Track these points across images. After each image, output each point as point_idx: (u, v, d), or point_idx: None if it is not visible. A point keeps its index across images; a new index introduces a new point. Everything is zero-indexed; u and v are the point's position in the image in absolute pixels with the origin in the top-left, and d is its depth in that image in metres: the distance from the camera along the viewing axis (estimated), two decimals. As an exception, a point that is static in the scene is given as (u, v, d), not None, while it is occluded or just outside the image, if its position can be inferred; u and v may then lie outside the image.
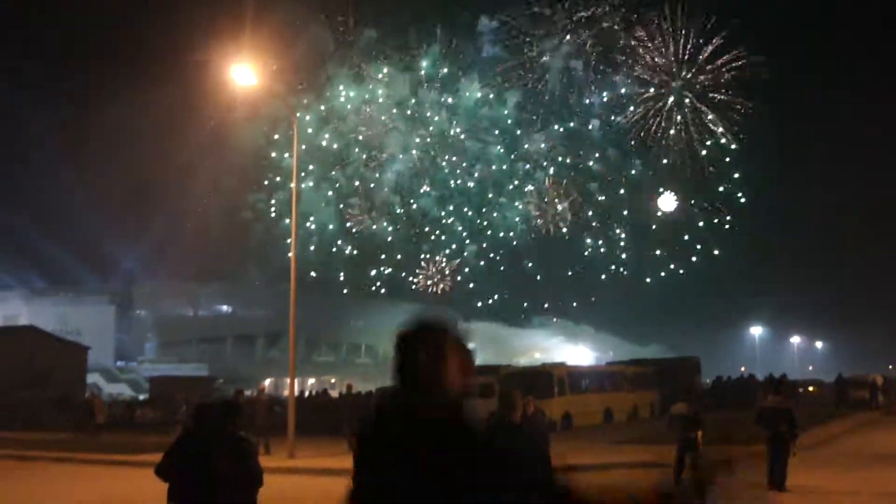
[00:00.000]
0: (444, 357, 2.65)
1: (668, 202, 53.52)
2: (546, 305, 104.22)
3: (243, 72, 25.62)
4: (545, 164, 53.89)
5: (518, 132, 53.10)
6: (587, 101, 53.22)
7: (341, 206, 55.20)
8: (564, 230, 56.53)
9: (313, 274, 55.21)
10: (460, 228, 56.57)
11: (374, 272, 59.17)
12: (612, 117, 53.53)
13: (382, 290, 67.52)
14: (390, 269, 59.28)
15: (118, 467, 22.47)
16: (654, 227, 57.48)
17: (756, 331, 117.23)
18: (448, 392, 2.63)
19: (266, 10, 47.14)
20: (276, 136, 51.46)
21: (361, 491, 2.93)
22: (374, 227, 55.27)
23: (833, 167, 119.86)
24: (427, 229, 57.28)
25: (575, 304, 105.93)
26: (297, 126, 27.53)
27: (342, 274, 60.25)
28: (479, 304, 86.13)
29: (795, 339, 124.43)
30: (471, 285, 67.78)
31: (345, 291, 64.69)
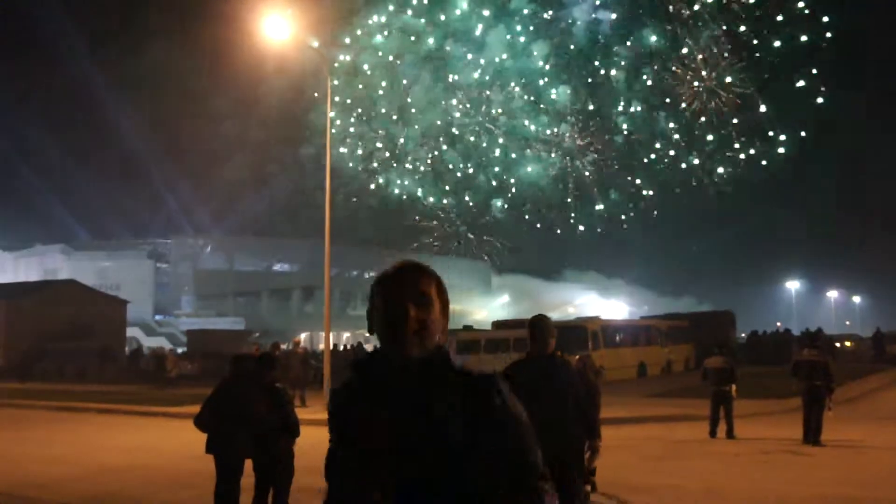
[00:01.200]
0: (432, 303, 2.32)
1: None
2: (578, 259, 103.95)
3: (276, 24, 25.53)
4: (570, 117, 53.15)
5: (543, 84, 52.42)
6: (614, 54, 52.25)
7: (366, 160, 54.90)
8: (591, 183, 55.80)
9: (343, 227, 55.20)
10: (486, 181, 56.12)
11: (403, 226, 58.87)
12: (640, 71, 52.56)
13: (415, 245, 67.26)
14: (415, 223, 58.91)
15: (159, 418, 22.88)
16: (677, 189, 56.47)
17: (793, 285, 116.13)
18: (439, 343, 2.31)
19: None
20: (304, 91, 51.19)
21: (346, 471, 2.33)
22: (399, 181, 55.02)
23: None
24: (452, 185, 56.82)
25: (605, 257, 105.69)
26: (329, 79, 27.46)
27: (370, 229, 60.14)
28: (509, 257, 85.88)
29: (833, 294, 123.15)
30: (498, 243, 67.35)
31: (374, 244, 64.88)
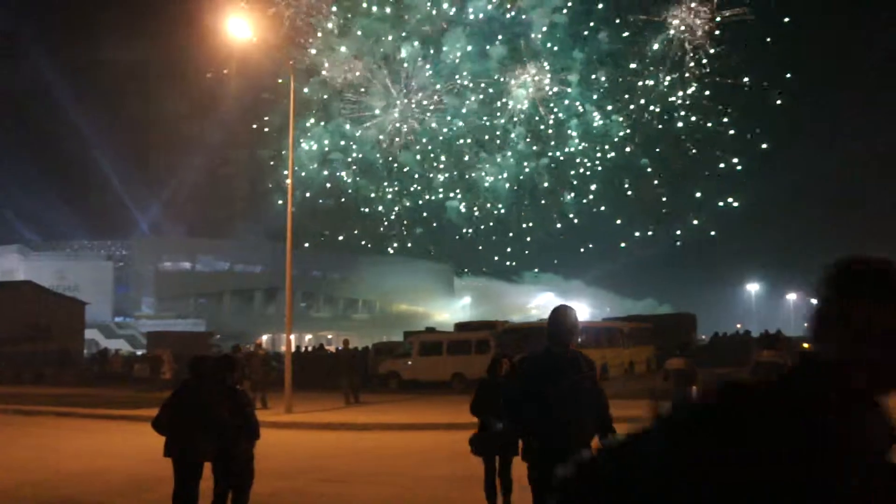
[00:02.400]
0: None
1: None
2: (534, 261, 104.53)
3: (237, 25, 25.35)
4: (525, 118, 53.41)
5: (500, 87, 52.68)
6: (570, 58, 52.62)
7: (324, 160, 54.74)
8: (546, 185, 56.06)
9: (303, 228, 55.04)
10: (442, 182, 56.16)
11: (356, 228, 58.69)
12: (593, 75, 52.96)
13: (368, 245, 67.13)
14: (368, 225, 58.72)
15: (116, 421, 22.59)
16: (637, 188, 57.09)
17: (752, 287, 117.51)
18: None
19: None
20: (263, 91, 50.95)
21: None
22: (357, 181, 54.89)
23: (840, 124, 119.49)
24: (413, 186, 56.79)
25: (561, 260, 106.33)
26: (293, 81, 27.27)
27: (327, 230, 59.85)
28: (470, 259, 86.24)
29: (792, 296, 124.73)
30: (455, 239, 67.49)
31: (338, 238, 64.68)
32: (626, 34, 51.19)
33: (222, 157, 62.17)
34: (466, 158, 54.85)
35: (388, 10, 50.36)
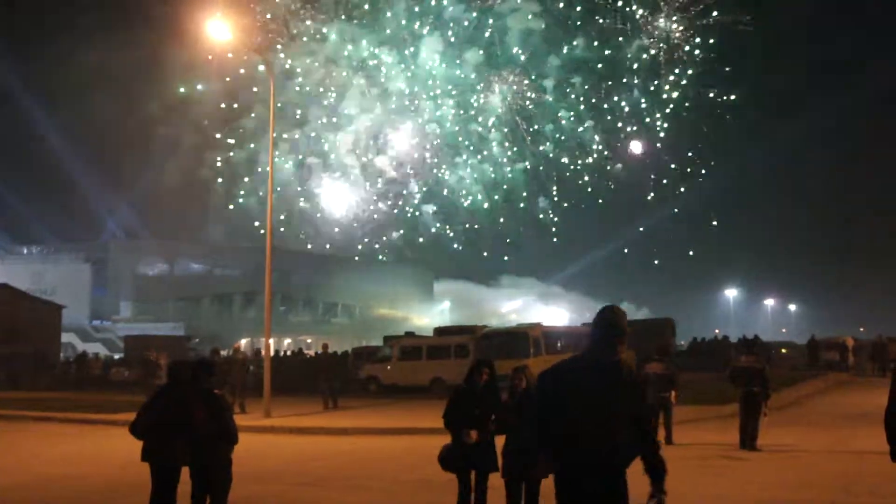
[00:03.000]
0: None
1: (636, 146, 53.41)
2: (512, 265, 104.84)
3: (218, 27, 25.28)
4: (500, 124, 53.58)
5: (474, 92, 52.82)
6: (545, 63, 52.84)
7: (300, 165, 54.67)
8: (524, 193, 56.27)
9: (282, 229, 54.80)
10: (418, 186, 56.22)
11: (335, 230, 58.54)
12: (570, 79, 53.18)
13: (344, 249, 67.07)
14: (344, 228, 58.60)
15: (93, 426, 22.43)
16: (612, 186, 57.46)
17: (731, 293, 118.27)
18: None
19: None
20: (239, 94, 50.81)
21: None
22: (332, 185, 54.83)
23: (813, 132, 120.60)
24: (386, 190, 56.79)
25: (539, 265, 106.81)
26: (273, 80, 27.18)
27: (302, 233, 59.74)
28: (449, 264, 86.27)
29: (769, 302, 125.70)
30: (432, 243, 67.50)
31: (308, 247, 64.64)
32: (601, 41, 51.47)
33: (198, 159, 61.91)
34: (441, 162, 54.89)
35: (364, 16, 50.41)
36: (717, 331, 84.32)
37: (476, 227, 60.32)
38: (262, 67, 39.41)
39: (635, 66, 52.21)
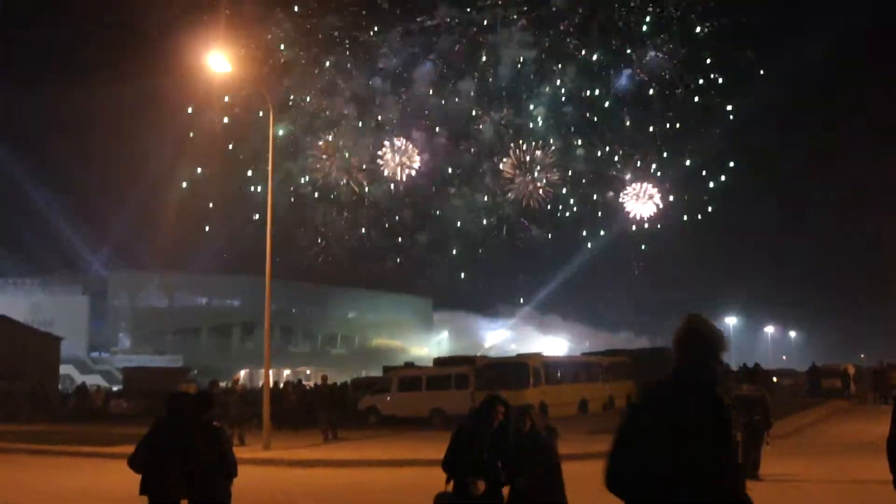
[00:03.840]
0: None
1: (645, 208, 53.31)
2: (510, 294, 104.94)
3: (218, 60, 25.44)
4: (494, 153, 53.71)
5: (466, 121, 53.10)
6: (536, 92, 53.12)
7: (294, 194, 54.79)
8: (520, 222, 56.29)
9: (278, 259, 54.77)
10: (411, 216, 56.28)
11: (327, 261, 58.45)
12: (561, 109, 53.42)
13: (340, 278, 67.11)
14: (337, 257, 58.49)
15: (91, 459, 22.30)
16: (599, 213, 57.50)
17: (730, 321, 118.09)
18: None
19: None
20: (237, 125, 51.04)
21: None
22: (326, 215, 54.92)
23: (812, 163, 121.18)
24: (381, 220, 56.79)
25: (536, 294, 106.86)
26: (273, 112, 27.31)
27: (300, 263, 59.71)
28: (447, 294, 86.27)
29: (769, 329, 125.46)
30: (429, 273, 67.31)
31: (307, 278, 64.80)
32: (592, 74, 51.75)
33: (199, 190, 61.95)
34: (434, 191, 54.96)
35: (358, 48, 50.74)
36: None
37: (471, 257, 60.34)
38: (260, 98, 39.51)
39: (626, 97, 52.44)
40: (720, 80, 49.50)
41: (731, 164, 52.16)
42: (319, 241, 55.63)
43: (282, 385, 41.12)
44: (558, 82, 51.93)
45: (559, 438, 8.00)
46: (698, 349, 4.04)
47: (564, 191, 54.11)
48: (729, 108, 50.20)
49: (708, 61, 48.29)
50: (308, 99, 50.73)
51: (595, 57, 51.13)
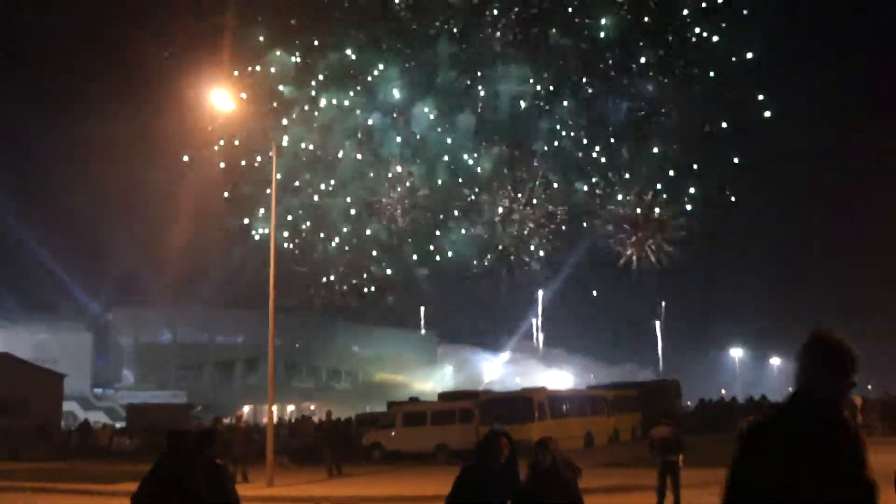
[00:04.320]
0: None
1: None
2: (514, 327, 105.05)
3: (221, 97, 25.64)
4: (493, 187, 54.00)
5: (465, 155, 53.46)
6: (536, 125, 53.54)
7: (293, 230, 55.01)
8: (520, 255, 56.38)
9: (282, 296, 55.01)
10: (411, 250, 56.44)
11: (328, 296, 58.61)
12: (556, 143, 53.77)
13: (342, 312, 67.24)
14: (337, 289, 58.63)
15: (95, 497, 22.17)
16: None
17: (736, 353, 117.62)
18: None
19: (234, 35, 47.63)
20: (238, 160, 51.42)
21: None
22: (325, 251, 55.13)
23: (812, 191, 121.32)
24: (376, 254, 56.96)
25: (541, 327, 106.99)
26: (276, 150, 27.48)
27: (300, 298, 59.82)
28: (450, 328, 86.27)
29: (775, 361, 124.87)
30: (430, 307, 67.56)
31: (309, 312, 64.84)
32: (588, 105, 52.14)
33: (197, 225, 62.13)
34: (434, 226, 55.14)
35: (357, 85, 51.17)
36: (723, 391, 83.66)
37: (472, 289, 60.44)
38: (263, 134, 39.82)
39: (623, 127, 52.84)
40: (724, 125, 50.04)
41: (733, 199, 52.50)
42: (321, 276, 55.79)
43: (294, 420, 41.05)
44: (556, 117, 52.42)
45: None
46: (807, 375, 3.75)
47: (564, 227, 54.45)
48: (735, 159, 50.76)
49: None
50: (308, 136, 51.20)
51: (591, 91, 51.65)
